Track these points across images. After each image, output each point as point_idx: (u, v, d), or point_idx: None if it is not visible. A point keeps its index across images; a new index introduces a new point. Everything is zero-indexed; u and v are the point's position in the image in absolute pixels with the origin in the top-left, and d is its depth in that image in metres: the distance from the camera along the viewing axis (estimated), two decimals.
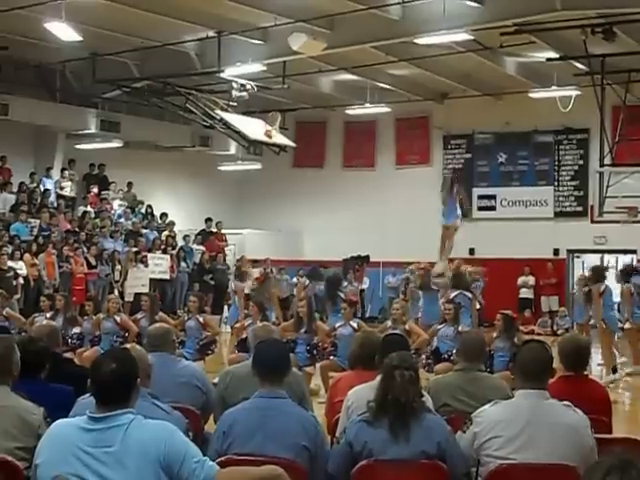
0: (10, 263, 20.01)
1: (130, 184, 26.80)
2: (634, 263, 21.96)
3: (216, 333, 14.64)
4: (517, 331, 12.17)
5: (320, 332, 13.30)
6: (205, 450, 4.69)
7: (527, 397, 5.08)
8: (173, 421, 4.62)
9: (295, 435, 5.03)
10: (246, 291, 17.99)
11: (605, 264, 22.07)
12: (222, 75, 21.23)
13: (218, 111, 22.70)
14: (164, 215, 26.93)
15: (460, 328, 12.35)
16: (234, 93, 22.22)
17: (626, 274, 16.84)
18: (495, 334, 11.89)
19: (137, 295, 19.90)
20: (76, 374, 6.15)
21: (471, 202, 27.29)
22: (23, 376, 5.39)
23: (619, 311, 16.25)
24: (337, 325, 13.41)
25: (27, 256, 20.89)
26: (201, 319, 13.87)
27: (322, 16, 18.40)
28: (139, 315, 14.57)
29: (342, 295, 16.56)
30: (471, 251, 26.04)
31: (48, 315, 13.93)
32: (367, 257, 25.73)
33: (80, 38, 18.77)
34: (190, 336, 13.59)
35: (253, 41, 20.45)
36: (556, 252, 26.06)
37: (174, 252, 25.12)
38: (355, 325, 13.14)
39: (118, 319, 13.84)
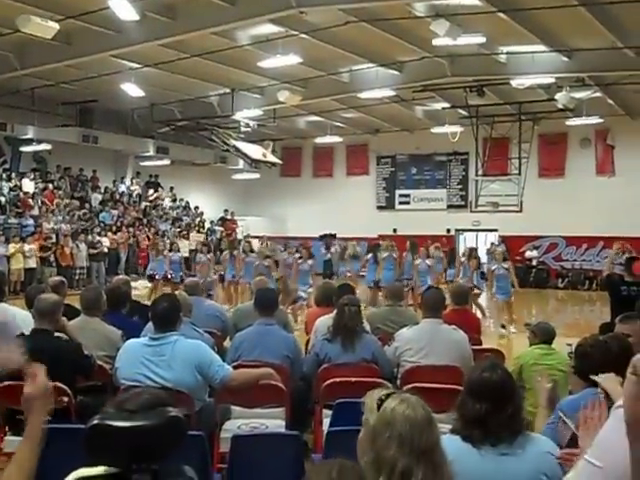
0: (98, 238, 19.91)
1: (172, 188, 26.55)
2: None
3: None
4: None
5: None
6: (224, 358, 4.71)
7: (428, 323, 5.13)
8: (205, 340, 4.67)
9: (282, 348, 5.05)
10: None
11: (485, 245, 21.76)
12: (234, 117, 21.09)
13: (232, 140, 22.58)
14: (197, 207, 26.73)
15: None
16: (242, 128, 22.14)
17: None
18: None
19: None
20: (142, 309, 6.17)
21: (394, 199, 27.47)
22: (111, 311, 5.40)
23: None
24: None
25: (110, 234, 20.75)
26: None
27: (299, 79, 18.33)
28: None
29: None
30: (394, 230, 26.08)
31: None
32: (334, 235, 25.57)
33: (143, 94, 18.59)
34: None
35: (255, 95, 20.32)
36: (448, 231, 26.10)
37: (204, 231, 25.03)
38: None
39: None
